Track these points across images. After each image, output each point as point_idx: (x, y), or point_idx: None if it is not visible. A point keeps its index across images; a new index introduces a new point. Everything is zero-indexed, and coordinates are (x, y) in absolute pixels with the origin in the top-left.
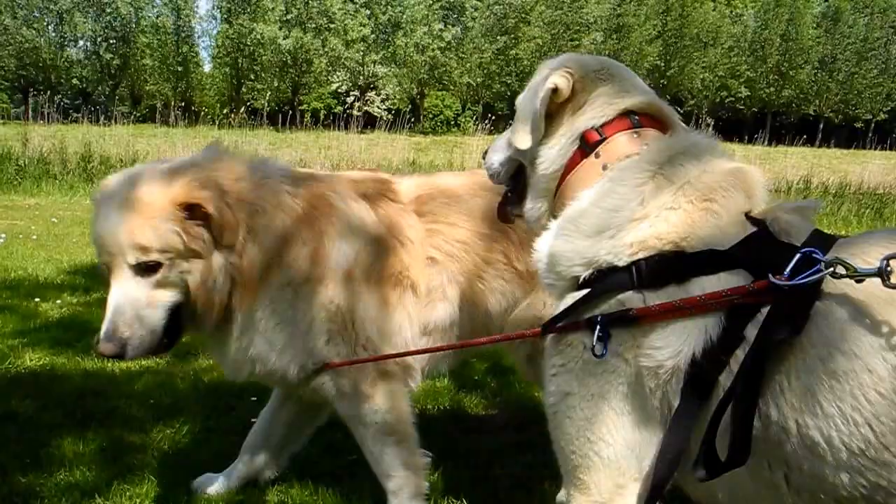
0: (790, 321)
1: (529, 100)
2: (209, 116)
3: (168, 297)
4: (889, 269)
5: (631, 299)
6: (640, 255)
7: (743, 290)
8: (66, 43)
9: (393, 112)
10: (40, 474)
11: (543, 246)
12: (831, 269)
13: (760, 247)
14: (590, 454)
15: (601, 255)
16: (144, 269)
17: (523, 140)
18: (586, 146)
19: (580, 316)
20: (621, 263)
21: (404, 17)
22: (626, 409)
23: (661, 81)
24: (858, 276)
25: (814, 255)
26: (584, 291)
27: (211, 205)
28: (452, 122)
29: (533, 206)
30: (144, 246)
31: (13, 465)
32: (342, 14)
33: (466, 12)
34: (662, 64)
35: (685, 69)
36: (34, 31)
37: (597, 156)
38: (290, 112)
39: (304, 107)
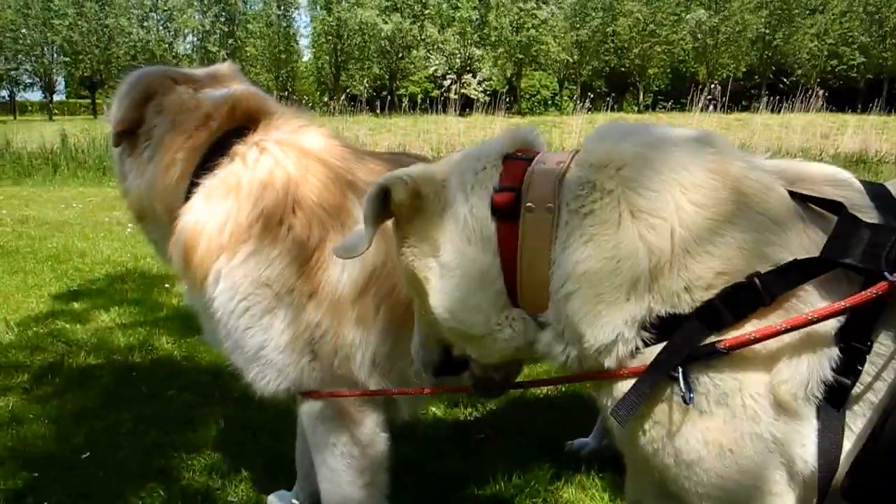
0: None
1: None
2: (310, 104)
3: None
4: None
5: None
6: (708, 295)
7: (865, 298)
8: (174, 40)
9: (490, 94)
10: (188, 451)
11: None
12: None
13: (855, 238)
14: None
15: (654, 306)
16: None
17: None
18: (506, 213)
19: (663, 374)
20: (685, 310)
21: None
22: (774, 457)
23: (766, 52)
24: None
25: None
26: (655, 351)
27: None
28: (550, 102)
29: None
30: None
31: (164, 441)
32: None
33: None
34: (768, 32)
35: (792, 38)
36: (144, 30)
37: (530, 210)
38: (389, 97)
39: (402, 91)
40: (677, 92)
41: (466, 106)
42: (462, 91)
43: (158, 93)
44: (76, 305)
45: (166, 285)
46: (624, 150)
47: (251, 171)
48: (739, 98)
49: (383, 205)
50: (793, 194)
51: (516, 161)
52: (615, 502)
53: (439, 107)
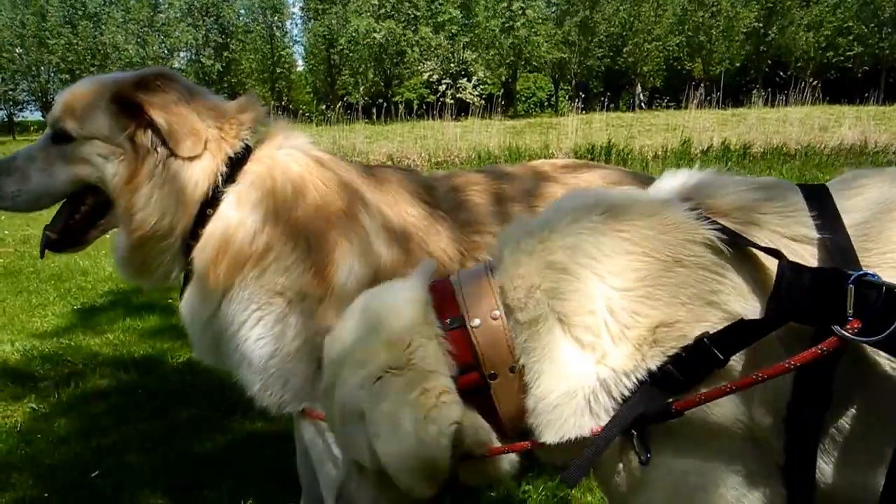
0: None
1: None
2: (306, 114)
3: (71, 172)
4: None
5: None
6: (658, 353)
7: (814, 355)
8: (168, 55)
9: (485, 97)
10: (196, 466)
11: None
12: None
13: (798, 288)
14: None
15: (614, 391)
16: (61, 136)
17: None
18: (473, 391)
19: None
20: (642, 374)
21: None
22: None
23: (761, 46)
24: None
25: (869, 279)
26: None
27: (151, 108)
28: (546, 104)
29: None
30: (64, 110)
31: (172, 458)
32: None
33: None
34: (761, 26)
35: (786, 31)
36: (138, 46)
37: (495, 377)
38: (384, 104)
39: (398, 98)
40: (673, 89)
41: (462, 110)
42: (458, 95)
43: (194, 95)
44: (80, 324)
45: (169, 301)
46: (531, 267)
47: (282, 179)
48: (736, 93)
49: None
50: (727, 232)
51: (454, 333)
52: None
53: (435, 112)
